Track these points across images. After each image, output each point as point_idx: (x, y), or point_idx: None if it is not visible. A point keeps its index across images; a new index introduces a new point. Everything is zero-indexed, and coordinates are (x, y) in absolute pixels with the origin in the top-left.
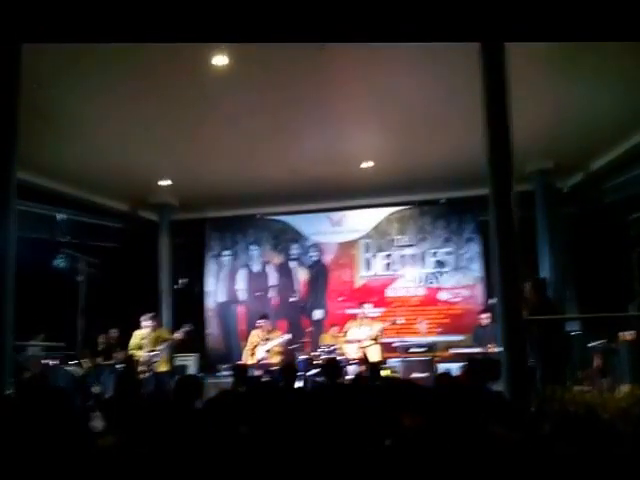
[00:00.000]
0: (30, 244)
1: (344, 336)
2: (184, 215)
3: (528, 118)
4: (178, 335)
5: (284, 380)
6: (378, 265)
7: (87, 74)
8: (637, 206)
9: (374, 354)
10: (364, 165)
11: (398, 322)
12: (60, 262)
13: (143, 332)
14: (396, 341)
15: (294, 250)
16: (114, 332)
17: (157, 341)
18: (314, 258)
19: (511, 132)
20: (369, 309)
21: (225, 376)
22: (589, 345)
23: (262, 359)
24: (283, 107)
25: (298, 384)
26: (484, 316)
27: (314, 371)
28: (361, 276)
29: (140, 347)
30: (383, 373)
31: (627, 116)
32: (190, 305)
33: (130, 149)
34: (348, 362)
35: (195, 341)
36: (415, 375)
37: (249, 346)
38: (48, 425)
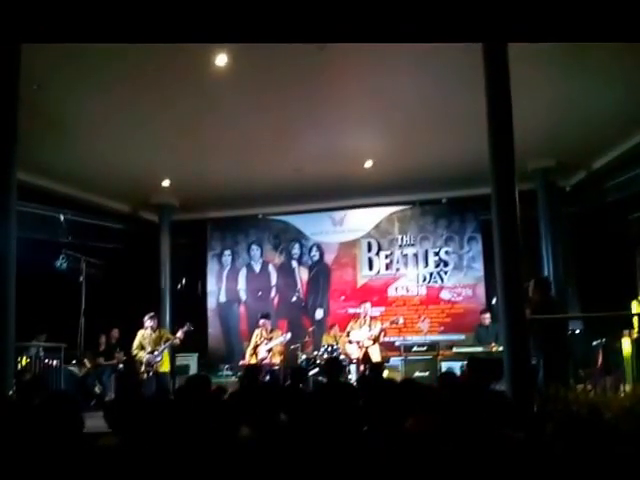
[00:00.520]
0: (32, 245)
1: (346, 336)
2: (185, 215)
3: (530, 117)
4: (180, 335)
5: (291, 381)
6: (380, 264)
7: (87, 75)
8: (639, 205)
9: (375, 354)
10: (366, 165)
11: (399, 322)
12: (62, 263)
13: (146, 332)
14: (398, 340)
15: (295, 250)
16: (115, 332)
17: (159, 341)
18: (315, 258)
19: (513, 131)
20: (370, 308)
21: (226, 375)
22: (592, 344)
23: (263, 359)
24: (284, 107)
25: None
26: (486, 315)
27: (315, 370)
28: (363, 275)
29: (142, 347)
30: (385, 373)
31: (629, 115)
32: (191, 305)
33: (131, 150)
34: (350, 362)
35: (196, 341)
36: (417, 374)
37: (251, 345)
38: (48, 426)
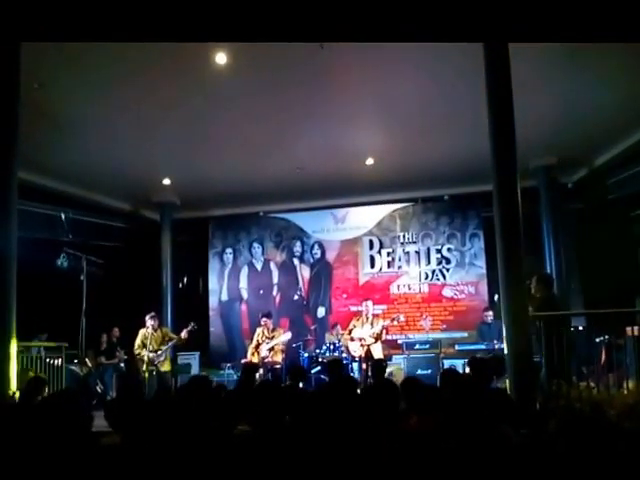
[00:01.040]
0: (33, 244)
1: (348, 334)
2: (186, 214)
3: (531, 114)
4: (184, 335)
5: (291, 380)
6: (382, 262)
7: (88, 75)
8: None
9: (377, 352)
10: (368, 162)
11: (399, 320)
12: (63, 262)
13: (147, 331)
14: (400, 338)
15: (297, 248)
16: (116, 331)
17: (161, 340)
18: (317, 255)
19: (515, 128)
20: (372, 306)
21: (228, 374)
22: (594, 341)
23: (265, 357)
24: (285, 105)
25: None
26: (488, 313)
27: (317, 369)
28: (364, 273)
29: (144, 346)
30: (389, 370)
31: (631, 111)
32: (193, 303)
33: (132, 148)
34: (352, 359)
35: (198, 339)
36: (420, 372)
37: (253, 344)
38: (52, 425)
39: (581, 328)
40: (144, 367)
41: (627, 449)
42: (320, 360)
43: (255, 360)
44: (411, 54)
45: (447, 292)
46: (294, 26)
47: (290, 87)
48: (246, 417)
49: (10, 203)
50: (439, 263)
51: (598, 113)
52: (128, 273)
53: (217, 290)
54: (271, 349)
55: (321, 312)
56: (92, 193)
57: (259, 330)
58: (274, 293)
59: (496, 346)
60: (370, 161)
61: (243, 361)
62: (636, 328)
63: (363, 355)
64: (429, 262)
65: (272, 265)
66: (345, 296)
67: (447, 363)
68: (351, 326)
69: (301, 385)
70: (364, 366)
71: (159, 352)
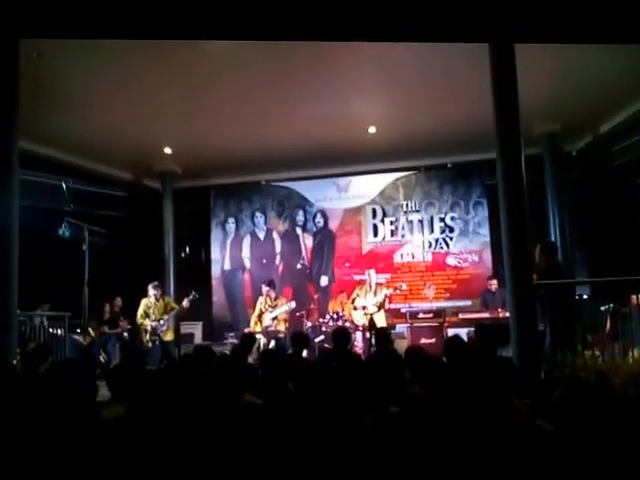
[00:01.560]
0: (34, 213)
1: (351, 303)
2: (188, 183)
3: (535, 80)
4: (185, 304)
5: (293, 348)
6: (385, 231)
7: (90, 45)
8: None
9: (380, 321)
10: (370, 130)
11: (402, 288)
12: (65, 231)
13: (150, 301)
14: (404, 307)
15: (300, 217)
16: (119, 301)
17: (164, 310)
18: (320, 224)
19: (518, 94)
20: (375, 275)
21: (232, 343)
22: (599, 309)
23: (268, 327)
24: (287, 74)
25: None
26: (492, 281)
27: (321, 338)
28: (368, 242)
29: (147, 316)
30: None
31: (636, 77)
32: (195, 273)
33: (133, 117)
34: (355, 329)
35: (201, 309)
36: (423, 341)
37: (255, 313)
38: (56, 395)
39: (585, 297)
40: (147, 337)
41: (632, 417)
42: (323, 329)
43: (258, 329)
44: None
45: (451, 260)
46: (298, 24)
47: (291, 55)
48: (250, 387)
49: (11, 172)
50: (442, 232)
51: (602, 79)
52: (130, 243)
53: (219, 259)
54: (274, 318)
55: (324, 281)
56: (93, 162)
57: (261, 299)
58: (277, 262)
59: (500, 315)
60: (373, 129)
61: (246, 330)
62: None
63: (366, 324)
64: (432, 231)
65: (275, 234)
66: (348, 265)
67: (451, 332)
68: (354, 295)
69: (305, 353)
70: (367, 335)
71: (161, 322)
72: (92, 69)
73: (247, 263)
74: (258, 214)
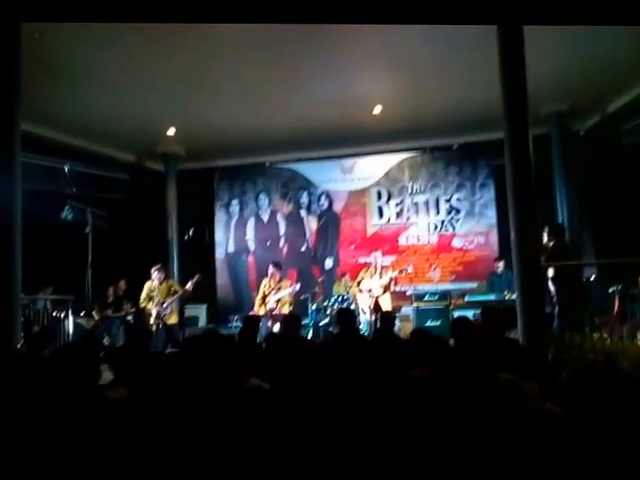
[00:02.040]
0: (37, 197)
1: (356, 285)
2: (191, 165)
3: (543, 59)
4: (189, 287)
5: (286, 330)
6: (390, 213)
7: (91, 25)
8: None
9: (386, 303)
10: (375, 111)
11: (407, 271)
12: (67, 214)
13: (153, 284)
14: (409, 289)
15: (304, 198)
16: (123, 284)
17: (167, 292)
18: (324, 206)
19: (526, 73)
20: (380, 258)
21: (236, 326)
22: (607, 291)
23: (272, 309)
24: (290, 53)
25: (309, 335)
26: (499, 263)
27: (326, 321)
28: (373, 224)
29: (150, 299)
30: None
31: None
32: (199, 256)
33: (135, 99)
34: (361, 311)
35: (205, 292)
36: (429, 323)
37: (259, 295)
38: (60, 378)
39: (593, 278)
40: (151, 320)
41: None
42: (328, 312)
43: (262, 312)
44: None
45: (457, 242)
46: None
47: (295, 34)
48: (255, 370)
49: (13, 155)
50: (448, 213)
51: (611, 57)
52: (133, 225)
53: (224, 242)
54: (278, 301)
55: (329, 264)
56: (95, 144)
57: (265, 281)
58: (281, 245)
59: (506, 297)
60: (378, 109)
61: (250, 313)
62: None
63: (372, 307)
64: (438, 212)
65: (279, 216)
66: (353, 247)
67: (457, 314)
68: (359, 277)
69: (310, 336)
70: (373, 318)
71: (165, 305)
72: (94, 49)
73: (251, 245)
74: (262, 196)
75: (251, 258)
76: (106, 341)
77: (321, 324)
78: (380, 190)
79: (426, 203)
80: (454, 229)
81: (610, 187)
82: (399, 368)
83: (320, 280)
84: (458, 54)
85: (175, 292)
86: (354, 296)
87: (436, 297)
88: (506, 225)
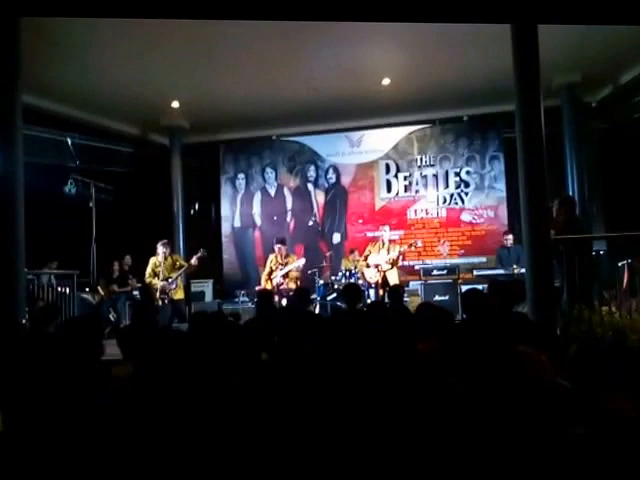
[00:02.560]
0: (39, 170)
1: (364, 260)
2: (197, 138)
3: (555, 29)
4: (194, 261)
5: (298, 303)
6: (398, 186)
7: None
8: None
9: (393, 278)
10: (384, 82)
11: (417, 245)
12: (71, 188)
13: (158, 259)
14: (418, 264)
15: (311, 172)
16: (128, 259)
17: (172, 267)
18: (332, 180)
19: (538, 44)
20: (388, 232)
21: (242, 302)
22: (617, 265)
23: (279, 284)
24: (297, 25)
25: (317, 309)
26: (508, 237)
27: (333, 296)
28: (381, 198)
29: (155, 274)
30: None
31: None
32: (205, 230)
33: (139, 70)
34: (369, 286)
35: (211, 267)
36: (437, 298)
37: (266, 271)
38: (69, 352)
39: (602, 252)
40: (157, 295)
41: None
42: (336, 287)
43: (269, 287)
44: None
45: (466, 216)
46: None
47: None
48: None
49: (15, 128)
50: (458, 187)
51: (623, 28)
52: (138, 200)
53: (230, 216)
54: (285, 276)
55: (337, 238)
56: (99, 117)
57: (272, 257)
58: (288, 219)
59: (515, 271)
60: (386, 81)
61: (256, 288)
62: None
63: (380, 281)
64: (447, 186)
65: (286, 190)
66: (361, 221)
67: (465, 289)
68: (367, 252)
69: (318, 310)
70: (380, 292)
71: (170, 280)
72: (97, 19)
73: (258, 220)
74: (269, 170)
75: (257, 233)
76: (112, 317)
77: (329, 299)
78: (388, 163)
79: (435, 176)
80: (463, 203)
81: (621, 159)
82: (406, 341)
83: (328, 255)
84: (469, 24)
85: (180, 266)
86: (361, 271)
87: (444, 272)
88: (516, 199)
